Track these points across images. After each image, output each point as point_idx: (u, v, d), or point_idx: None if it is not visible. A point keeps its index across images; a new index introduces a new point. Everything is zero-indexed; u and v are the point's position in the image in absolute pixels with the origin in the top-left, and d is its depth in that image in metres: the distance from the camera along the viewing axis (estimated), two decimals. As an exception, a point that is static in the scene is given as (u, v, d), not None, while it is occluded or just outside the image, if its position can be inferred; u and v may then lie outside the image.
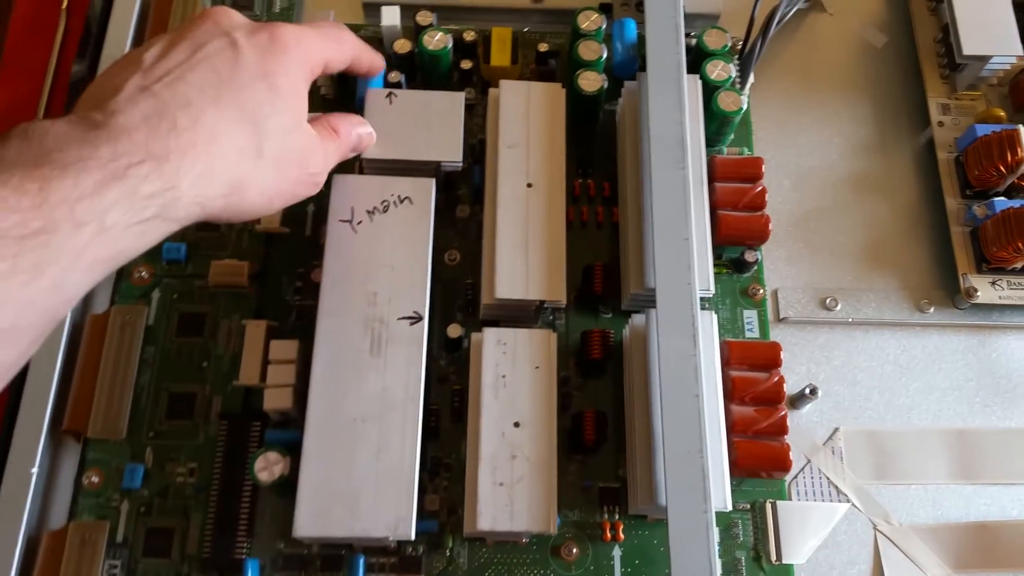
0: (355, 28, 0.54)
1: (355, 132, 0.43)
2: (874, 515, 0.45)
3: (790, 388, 0.46)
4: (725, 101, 0.49)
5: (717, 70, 0.49)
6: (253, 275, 0.47)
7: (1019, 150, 0.47)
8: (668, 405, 0.39)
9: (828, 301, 0.49)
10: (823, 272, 0.50)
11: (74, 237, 0.30)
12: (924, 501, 0.46)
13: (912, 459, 0.46)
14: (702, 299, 0.45)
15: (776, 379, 0.43)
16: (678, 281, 0.41)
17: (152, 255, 0.48)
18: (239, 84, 0.36)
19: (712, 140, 0.51)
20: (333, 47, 0.41)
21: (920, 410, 0.47)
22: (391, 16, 0.51)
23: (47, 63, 0.54)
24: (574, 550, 0.43)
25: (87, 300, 0.47)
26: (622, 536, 0.43)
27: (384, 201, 0.45)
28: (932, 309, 0.49)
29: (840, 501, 0.45)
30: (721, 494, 0.40)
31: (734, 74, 0.49)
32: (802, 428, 0.46)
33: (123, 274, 0.47)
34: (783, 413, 0.43)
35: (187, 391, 0.45)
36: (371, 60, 0.45)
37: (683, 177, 0.43)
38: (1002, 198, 0.49)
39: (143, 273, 0.48)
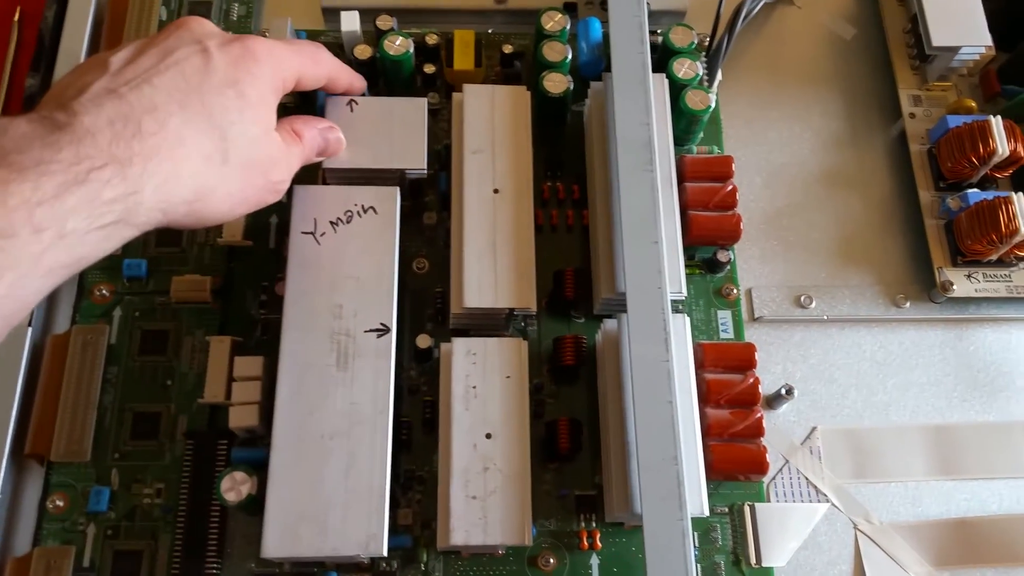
0: (315, 34, 0.53)
1: (319, 135, 0.42)
2: (854, 514, 0.44)
3: (766, 388, 0.46)
4: (693, 100, 0.48)
5: (684, 68, 0.49)
6: (216, 290, 0.46)
7: (991, 141, 0.47)
8: (641, 412, 0.38)
9: (803, 299, 0.48)
10: (797, 270, 0.49)
11: (33, 243, 0.29)
12: (904, 499, 0.45)
13: (891, 456, 0.46)
14: (675, 301, 0.44)
15: (751, 381, 0.43)
16: (648, 285, 0.41)
17: (112, 272, 0.46)
18: (207, 91, 0.35)
19: (681, 139, 0.50)
20: (307, 64, 0.41)
21: (898, 406, 0.47)
22: (350, 21, 0.50)
23: (0, 77, 0.53)
24: (551, 560, 0.42)
25: (47, 321, 0.46)
26: (599, 544, 0.42)
27: (347, 211, 0.44)
28: (908, 304, 0.48)
29: (819, 501, 0.45)
30: (698, 499, 0.40)
31: (701, 72, 0.49)
32: (779, 428, 0.46)
33: (83, 292, 0.46)
34: (759, 415, 0.42)
35: (151, 411, 0.44)
36: (350, 81, 0.45)
37: (651, 179, 0.43)
38: (975, 190, 0.48)
39: (104, 291, 0.46)
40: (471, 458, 0.40)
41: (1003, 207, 0.45)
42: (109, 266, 0.46)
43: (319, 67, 0.42)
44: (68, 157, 0.30)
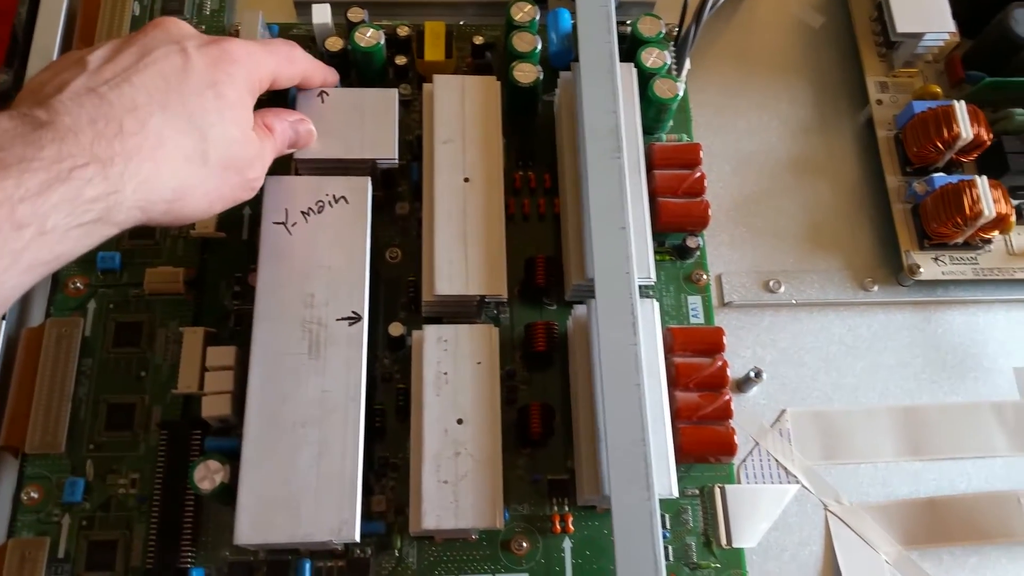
0: (287, 27, 0.53)
1: (290, 128, 0.43)
2: (824, 495, 0.45)
3: (736, 372, 0.46)
4: (661, 88, 0.48)
5: (652, 57, 0.49)
6: (189, 281, 0.47)
7: (955, 125, 0.47)
8: (610, 395, 0.39)
9: (772, 284, 0.49)
10: (766, 255, 0.50)
11: (13, 239, 0.29)
12: (874, 479, 0.46)
13: (860, 438, 0.46)
14: (645, 287, 0.45)
15: (719, 364, 0.43)
16: (616, 271, 0.41)
17: (86, 265, 0.47)
18: (187, 91, 0.35)
19: (650, 128, 0.51)
20: (283, 63, 0.41)
21: (867, 388, 0.47)
22: (322, 14, 0.50)
23: (-27, 74, 0.53)
24: (524, 544, 0.43)
25: (22, 314, 0.47)
26: (572, 528, 0.43)
27: (319, 201, 0.44)
28: (876, 287, 0.49)
29: (789, 483, 0.45)
30: (667, 481, 0.40)
31: (669, 61, 0.49)
32: (749, 411, 0.46)
33: (58, 286, 0.47)
34: (727, 397, 0.43)
35: (126, 402, 0.45)
36: (324, 76, 0.46)
37: (618, 166, 0.43)
38: (941, 174, 0.49)
39: (78, 284, 0.47)
40: (442, 443, 0.40)
41: (967, 190, 0.46)
42: (83, 259, 0.45)
43: (294, 66, 0.43)
44: (51, 155, 0.30)
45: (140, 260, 0.47)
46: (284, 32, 0.53)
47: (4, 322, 0.45)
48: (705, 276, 0.48)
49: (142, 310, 0.46)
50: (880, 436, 0.46)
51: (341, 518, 0.38)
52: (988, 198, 0.46)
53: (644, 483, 0.37)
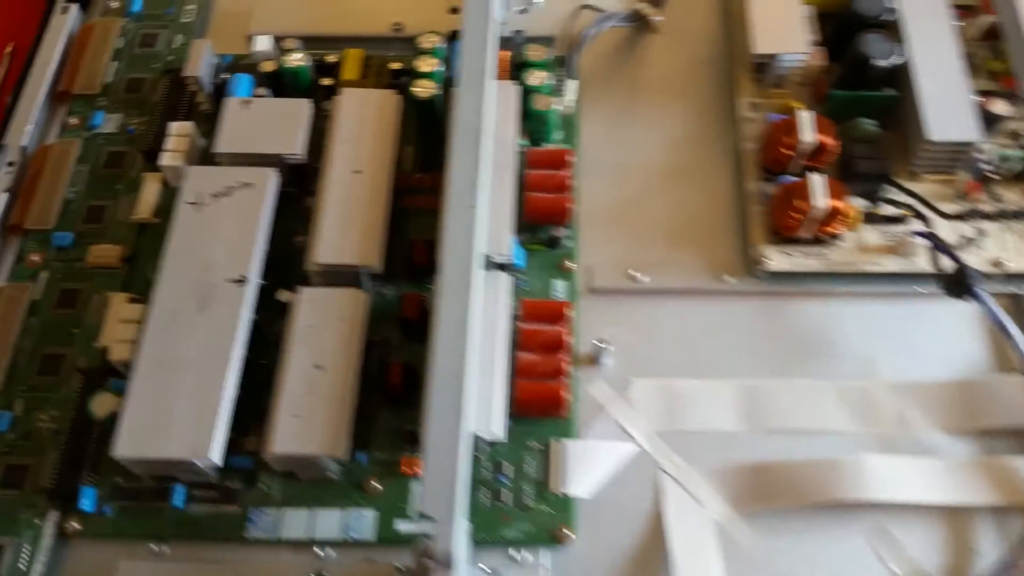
0: (240, 58, 0.62)
1: None
2: (661, 457, 0.48)
3: (589, 348, 0.51)
4: (538, 102, 0.55)
5: (533, 77, 0.56)
6: (125, 257, 0.55)
7: (794, 133, 0.52)
8: (441, 336, 0.44)
9: (635, 273, 0.54)
10: (635, 250, 0.55)
11: None
12: (711, 447, 0.49)
13: (703, 409, 0.50)
14: (514, 270, 0.51)
15: (560, 329, 0.48)
16: (461, 242, 0.47)
17: (44, 243, 0.55)
18: None
19: (536, 139, 0.57)
20: None
21: (715, 366, 0.51)
22: (263, 44, 0.60)
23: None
24: (376, 484, 0.48)
25: (-12, 282, 0.55)
26: (420, 472, 0.48)
27: (228, 186, 0.52)
28: (731, 279, 0.53)
29: (630, 444, 0.49)
30: (495, 423, 0.45)
31: (550, 81, 0.56)
32: (600, 381, 0.51)
33: (18, 259, 0.55)
34: (563, 358, 0.47)
35: (58, 353, 0.52)
36: None
37: (475, 156, 0.50)
38: (789, 176, 0.54)
39: (35, 258, 0.55)
40: (299, 383, 0.46)
41: (799, 187, 0.51)
42: (43, 239, 0.56)
43: None
44: None
45: (89, 239, 0.56)
46: (237, 62, 0.62)
47: (-32, 286, 0.54)
48: (572, 264, 0.54)
49: (84, 280, 0.55)
50: (722, 408, 0.50)
51: (203, 439, 0.45)
52: (818, 192, 0.50)
53: (455, 414, 0.42)
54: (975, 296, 0.47)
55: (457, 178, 0.49)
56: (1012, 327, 0.47)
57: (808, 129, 0.52)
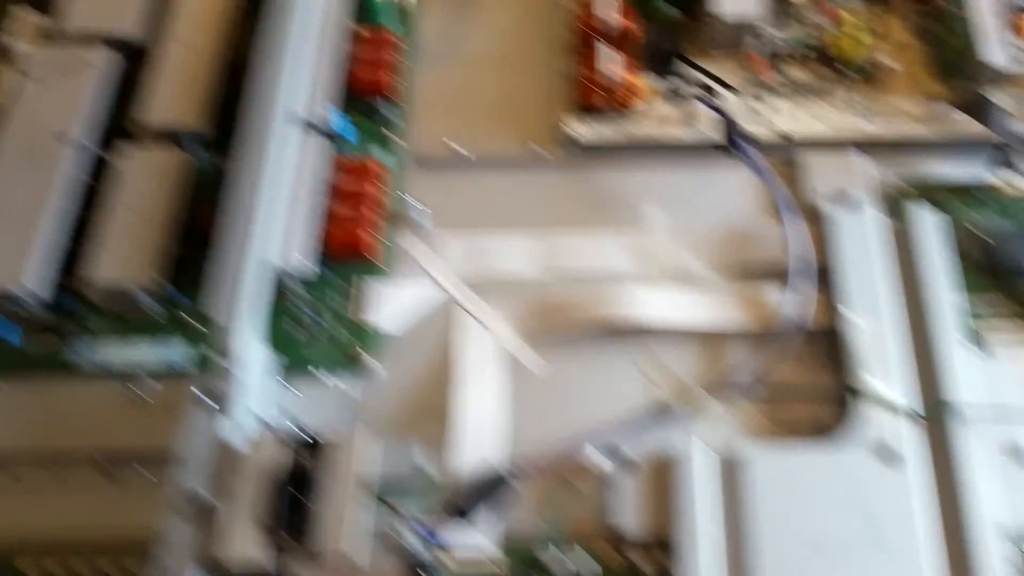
0: None
1: None
2: (464, 298, 0.52)
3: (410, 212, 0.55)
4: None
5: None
6: None
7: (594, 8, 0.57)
8: (241, 175, 0.49)
9: (457, 147, 0.58)
10: (459, 129, 0.58)
11: None
12: (511, 293, 0.53)
13: (505, 259, 0.54)
14: (341, 140, 0.56)
15: (367, 184, 0.53)
16: (266, 93, 0.52)
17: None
18: None
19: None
20: None
21: (519, 224, 0.55)
22: None
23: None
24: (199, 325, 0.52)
25: None
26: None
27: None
28: (540, 149, 0.58)
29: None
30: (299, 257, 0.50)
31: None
32: (414, 243, 0.55)
33: None
34: (371, 207, 0.52)
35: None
36: None
37: (287, 22, 0.55)
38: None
39: None
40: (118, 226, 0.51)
41: (590, 57, 0.56)
42: None
43: None
44: None
45: None
46: None
47: None
48: (397, 138, 0.58)
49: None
50: (523, 259, 0.54)
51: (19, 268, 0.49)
52: (604, 59, 0.55)
53: (244, 234, 0.47)
54: (738, 148, 0.52)
55: (269, 39, 0.54)
56: (770, 176, 0.51)
57: (606, 7, 0.57)
